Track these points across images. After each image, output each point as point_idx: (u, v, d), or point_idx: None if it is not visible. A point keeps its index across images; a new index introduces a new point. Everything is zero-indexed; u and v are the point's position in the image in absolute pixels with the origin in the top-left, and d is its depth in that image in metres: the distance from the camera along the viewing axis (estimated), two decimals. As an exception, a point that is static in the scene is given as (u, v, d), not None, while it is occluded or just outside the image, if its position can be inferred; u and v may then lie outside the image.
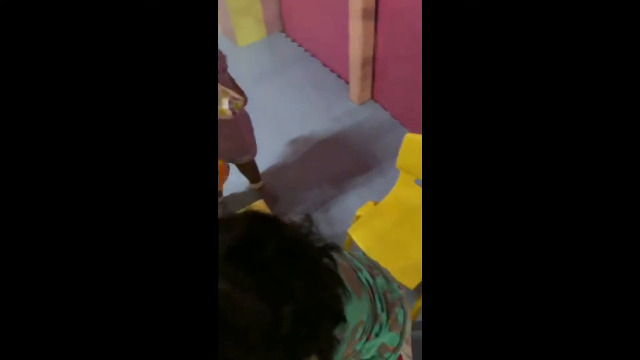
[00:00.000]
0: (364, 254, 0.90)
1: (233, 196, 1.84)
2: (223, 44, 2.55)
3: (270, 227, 0.42)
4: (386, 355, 0.54)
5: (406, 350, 0.57)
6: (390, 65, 1.92)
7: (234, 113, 1.18)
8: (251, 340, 0.37)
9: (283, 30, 2.68)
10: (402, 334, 0.55)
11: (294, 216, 0.46)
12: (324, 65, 2.42)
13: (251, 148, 1.50)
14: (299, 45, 2.58)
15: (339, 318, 0.43)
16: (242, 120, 1.37)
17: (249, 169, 1.65)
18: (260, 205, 1.24)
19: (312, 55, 2.49)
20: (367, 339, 0.52)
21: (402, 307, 0.57)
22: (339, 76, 2.33)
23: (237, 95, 1.19)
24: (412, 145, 1.27)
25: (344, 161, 1.94)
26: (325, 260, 0.44)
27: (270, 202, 1.69)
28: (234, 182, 1.73)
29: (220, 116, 1.17)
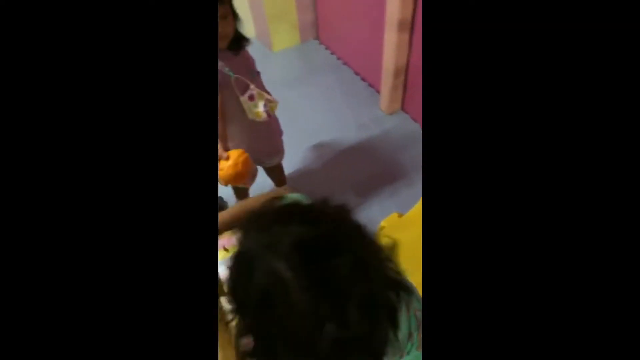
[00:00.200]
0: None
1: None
2: (258, 49, 2.60)
3: (355, 239, 0.40)
4: None
5: None
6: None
7: (268, 115, 1.20)
8: (288, 335, 0.37)
9: (317, 38, 2.71)
10: None
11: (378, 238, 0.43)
12: (356, 73, 2.43)
13: (280, 151, 1.52)
14: (332, 53, 2.60)
15: (378, 357, 0.41)
16: (274, 123, 1.39)
17: (276, 172, 1.67)
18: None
19: (344, 64, 2.51)
20: (400, 357, 0.52)
21: None
22: (370, 85, 2.34)
23: (272, 98, 1.21)
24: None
25: (369, 170, 1.93)
26: (392, 295, 0.42)
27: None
28: (260, 183, 1.75)
29: (256, 118, 1.19)
